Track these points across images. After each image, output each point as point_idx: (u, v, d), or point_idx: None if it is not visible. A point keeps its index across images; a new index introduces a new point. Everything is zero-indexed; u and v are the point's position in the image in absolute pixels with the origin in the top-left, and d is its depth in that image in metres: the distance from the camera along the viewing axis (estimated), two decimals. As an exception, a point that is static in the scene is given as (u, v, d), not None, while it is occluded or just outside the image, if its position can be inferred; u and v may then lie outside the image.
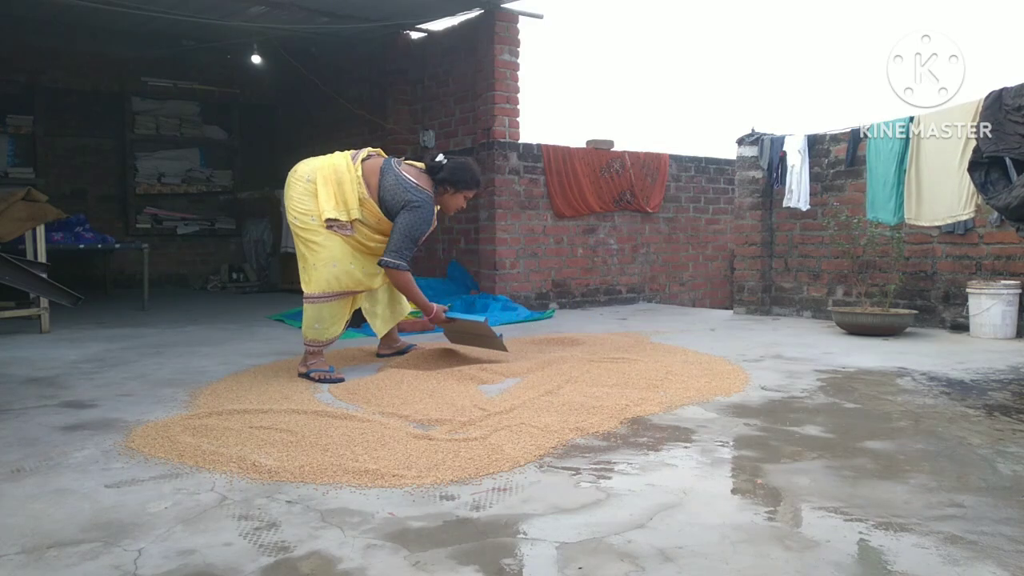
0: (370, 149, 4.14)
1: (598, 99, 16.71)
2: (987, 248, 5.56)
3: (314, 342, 3.91)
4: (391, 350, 4.44)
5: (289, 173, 4.07)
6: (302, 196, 3.92)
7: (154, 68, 9.75)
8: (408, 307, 4.48)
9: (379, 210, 3.91)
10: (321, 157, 4.09)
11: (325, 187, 3.90)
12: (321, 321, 3.89)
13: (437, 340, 5.18)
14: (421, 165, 4.13)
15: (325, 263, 3.85)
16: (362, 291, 4.08)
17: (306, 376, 3.82)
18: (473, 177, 4.12)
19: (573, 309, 7.50)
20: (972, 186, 4.97)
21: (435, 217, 4.05)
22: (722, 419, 3.06)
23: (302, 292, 3.94)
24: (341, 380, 3.75)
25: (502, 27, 7.07)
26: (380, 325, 4.35)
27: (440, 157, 4.10)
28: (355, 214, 3.88)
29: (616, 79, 18.32)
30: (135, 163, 10.02)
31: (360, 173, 3.92)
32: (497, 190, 7.06)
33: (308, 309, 3.90)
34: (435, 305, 4.20)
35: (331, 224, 3.85)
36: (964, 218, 5.35)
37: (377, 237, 3.98)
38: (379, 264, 3.92)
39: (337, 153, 4.08)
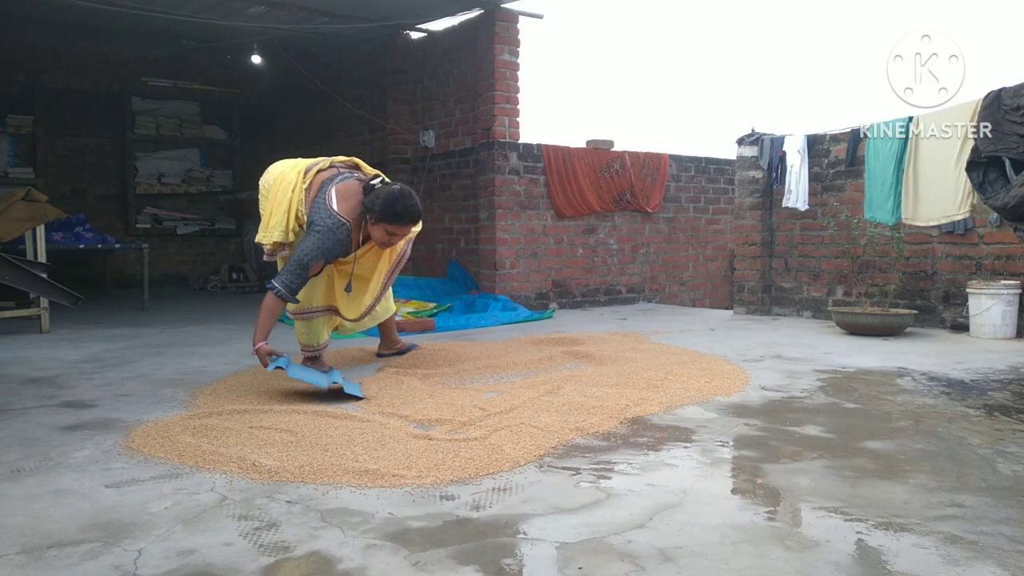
0: (338, 159, 3.89)
1: (598, 99, 16.71)
2: (987, 248, 5.56)
3: (309, 347, 3.91)
4: (391, 350, 4.43)
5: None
6: (263, 204, 3.88)
7: (154, 68, 9.75)
8: (392, 308, 4.35)
9: None
10: (284, 164, 3.91)
11: (269, 201, 3.73)
12: (310, 330, 3.88)
13: (437, 340, 5.18)
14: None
15: None
16: (340, 311, 3.90)
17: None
18: (390, 209, 3.52)
19: (573, 309, 7.50)
20: (968, 186, 4.99)
21: (347, 245, 3.65)
22: (722, 419, 3.06)
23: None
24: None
25: (502, 27, 7.07)
26: (368, 322, 4.19)
27: (376, 180, 3.66)
28: (291, 236, 3.66)
29: (616, 79, 18.32)
30: (135, 163, 10.02)
31: (307, 186, 3.68)
32: (497, 190, 7.06)
33: (296, 322, 3.91)
34: (262, 344, 3.45)
35: (258, 248, 3.75)
36: (959, 218, 5.36)
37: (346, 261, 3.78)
38: (266, 285, 3.56)
39: (299, 162, 3.84)
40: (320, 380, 3.42)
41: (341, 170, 3.84)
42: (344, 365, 4.21)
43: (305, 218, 3.65)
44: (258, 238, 3.78)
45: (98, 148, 9.91)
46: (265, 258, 3.84)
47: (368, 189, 3.63)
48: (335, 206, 3.57)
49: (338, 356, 4.40)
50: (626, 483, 2.29)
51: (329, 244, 3.51)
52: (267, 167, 4.09)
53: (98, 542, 1.85)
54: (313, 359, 3.91)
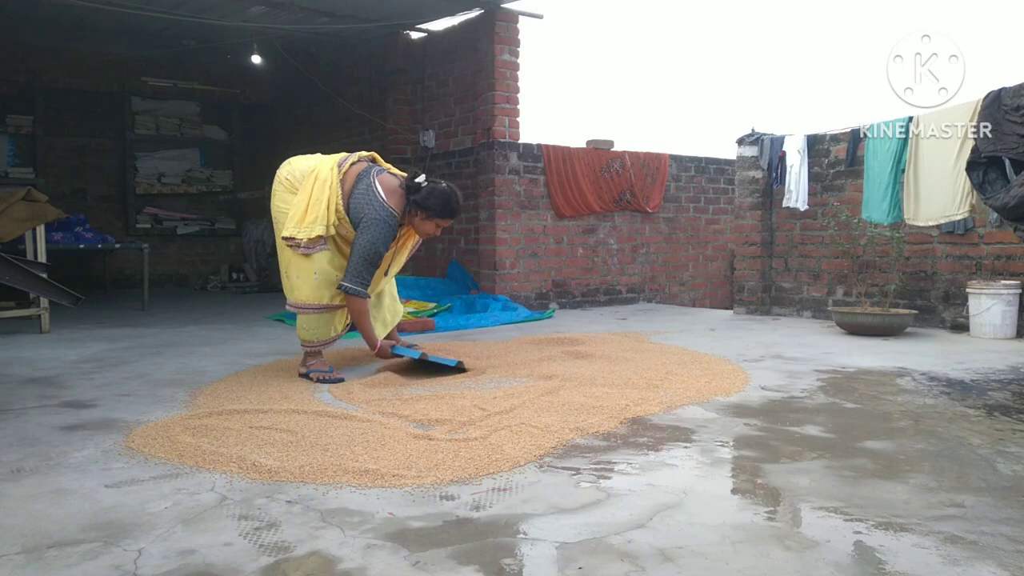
0: (362, 154, 4.02)
1: (598, 99, 16.72)
2: (987, 248, 5.56)
3: (309, 343, 3.90)
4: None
5: (277, 171, 4.04)
6: (285, 197, 3.92)
7: (154, 68, 9.76)
8: (401, 312, 4.45)
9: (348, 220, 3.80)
10: (308, 159, 3.99)
11: (302, 197, 3.78)
12: (312, 326, 3.87)
13: (437, 340, 5.18)
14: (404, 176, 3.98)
15: (307, 274, 3.78)
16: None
17: (305, 376, 3.82)
18: (447, 207, 3.85)
19: (573, 309, 7.50)
20: (968, 186, 4.98)
21: (396, 237, 3.90)
22: (722, 419, 3.06)
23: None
24: (341, 380, 3.75)
25: (502, 27, 7.08)
26: (379, 328, 4.26)
27: (421, 178, 3.86)
28: (332, 230, 3.76)
29: (616, 79, 18.32)
30: (135, 163, 10.02)
31: (341, 180, 3.80)
32: (497, 190, 7.06)
33: (298, 316, 3.90)
34: (379, 340, 4.00)
35: (289, 242, 3.75)
36: (958, 218, 5.35)
37: None
38: (338, 288, 3.79)
39: (326, 158, 3.94)
40: (448, 361, 4.01)
41: (369, 163, 3.97)
42: (344, 365, 4.21)
43: (343, 211, 3.77)
44: (291, 232, 3.74)
45: (98, 148, 9.91)
46: (301, 251, 3.76)
47: (414, 188, 3.83)
48: (384, 198, 3.76)
49: (338, 356, 4.40)
50: (626, 483, 2.29)
51: (387, 234, 3.77)
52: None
53: (98, 542, 1.85)
54: (314, 355, 3.91)
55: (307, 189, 3.80)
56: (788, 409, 3.24)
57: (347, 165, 3.85)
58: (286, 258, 3.87)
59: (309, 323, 3.88)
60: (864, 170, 5.92)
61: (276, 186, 4.00)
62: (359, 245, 3.72)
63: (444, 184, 3.92)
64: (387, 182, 3.85)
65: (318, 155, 4.02)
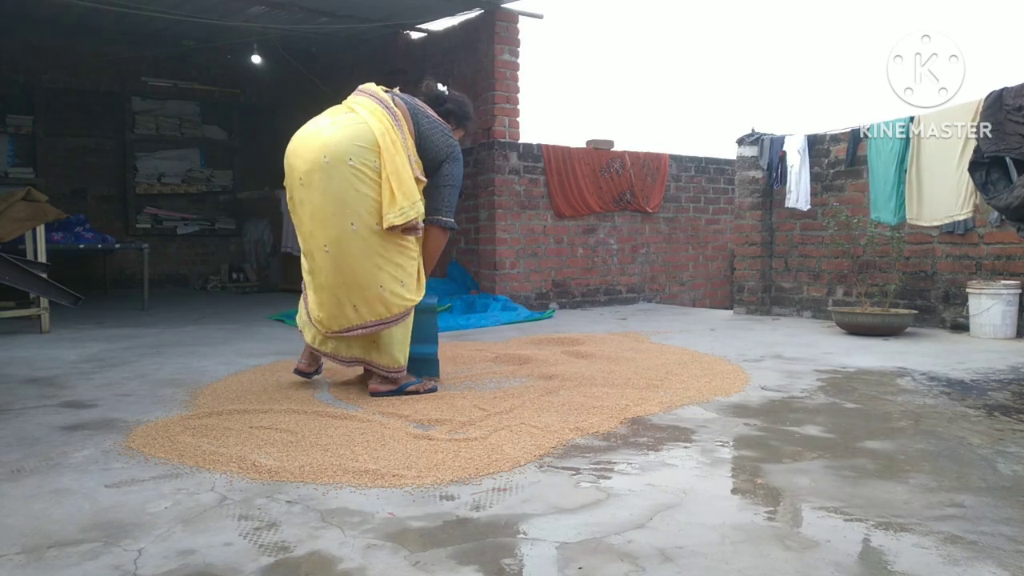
0: (379, 88, 3.41)
1: (598, 99, 16.72)
2: (987, 248, 5.56)
3: (400, 367, 3.38)
4: (311, 368, 3.70)
5: (293, 154, 3.27)
6: (368, 183, 3.16)
7: (154, 68, 9.76)
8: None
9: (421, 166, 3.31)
10: (350, 124, 3.19)
11: (392, 181, 3.15)
12: (407, 335, 3.39)
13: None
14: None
15: (411, 263, 3.32)
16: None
17: (397, 392, 3.38)
18: (472, 113, 3.71)
19: (573, 309, 7.50)
20: (970, 186, 4.99)
21: None
22: (722, 419, 3.06)
23: (374, 321, 3.26)
24: (434, 389, 3.50)
25: (502, 27, 7.08)
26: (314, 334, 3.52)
27: (440, 86, 3.59)
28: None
29: (616, 79, 18.33)
30: (135, 163, 10.03)
31: (399, 124, 3.28)
32: (497, 190, 7.05)
33: (393, 341, 3.33)
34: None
35: (405, 229, 3.20)
36: (962, 218, 5.36)
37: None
38: (436, 224, 3.35)
39: (365, 113, 3.23)
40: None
41: (392, 93, 3.44)
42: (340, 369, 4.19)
43: (418, 157, 3.31)
44: (396, 219, 3.13)
45: (98, 148, 9.92)
46: (417, 234, 3.27)
47: (441, 99, 3.57)
48: (444, 122, 3.47)
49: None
50: (626, 483, 2.29)
51: (462, 160, 3.52)
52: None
53: (98, 542, 1.85)
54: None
55: (393, 165, 3.16)
56: (788, 409, 3.24)
57: (392, 105, 3.30)
58: (398, 255, 3.23)
59: (406, 333, 3.37)
60: (868, 170, 5.92)
61: (349, 174, 3.12)
62: (453, 177, 3.38)
63: (456, 92, 3.72)
64: (425, 106, 3.48)
65: (339, 117, 3.26)
